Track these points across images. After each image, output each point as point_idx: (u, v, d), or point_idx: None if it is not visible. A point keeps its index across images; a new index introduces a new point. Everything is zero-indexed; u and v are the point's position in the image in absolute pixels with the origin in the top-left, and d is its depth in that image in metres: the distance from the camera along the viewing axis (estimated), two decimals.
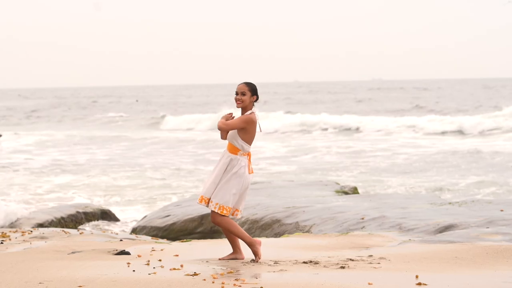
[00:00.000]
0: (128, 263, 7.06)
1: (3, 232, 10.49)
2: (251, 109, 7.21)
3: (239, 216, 7.32)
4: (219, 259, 7.41)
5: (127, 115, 59.90)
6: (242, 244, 7.45)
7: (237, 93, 7.16)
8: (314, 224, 11.03)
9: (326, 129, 41.06)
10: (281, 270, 6.67)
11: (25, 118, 61.16)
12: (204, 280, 6.12)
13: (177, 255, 7.79)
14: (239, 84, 7.21)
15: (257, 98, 7.25)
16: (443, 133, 37.14)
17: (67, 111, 70.95)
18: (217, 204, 7.13)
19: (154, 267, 6.82)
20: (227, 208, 7.14)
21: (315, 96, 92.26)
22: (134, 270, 6.65)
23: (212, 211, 7.19)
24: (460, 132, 37.25)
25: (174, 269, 6.69)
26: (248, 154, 7.22)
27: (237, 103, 7.16)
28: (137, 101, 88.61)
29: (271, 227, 11.45)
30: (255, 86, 7.25)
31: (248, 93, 7.17)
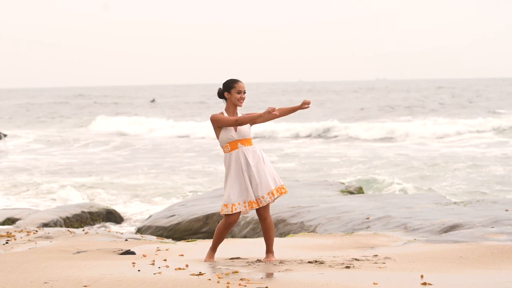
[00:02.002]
0: (133, 263, 7.06)
1: (8, 232, 10.51)
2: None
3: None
4: (264, 259, 7.26)
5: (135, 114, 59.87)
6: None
7: (240, 92, 7.05)
8: (319, 224, 11.02)
9: (336, 135, 40.05)
10: (286, 269, 6.67)
11: (17, 117, 61.06)
12: (209, 280, 6.12)
13: (182, 255, 7.80)
14: (240, 82, 7.06)
15: None
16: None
17: (70, 110, 71.01)
18: (280, 188, 7.15)
19: (159, 267, 6.83)
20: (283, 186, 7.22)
21: (318, 97, 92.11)
22: (139, 270, 6.66)
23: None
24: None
25: (179, 268, 6.70)
26: None
27: (241, 102, 7.07)
28: (153, 100, 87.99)
29: (276, 227, 11.44)
30: None
31: None
